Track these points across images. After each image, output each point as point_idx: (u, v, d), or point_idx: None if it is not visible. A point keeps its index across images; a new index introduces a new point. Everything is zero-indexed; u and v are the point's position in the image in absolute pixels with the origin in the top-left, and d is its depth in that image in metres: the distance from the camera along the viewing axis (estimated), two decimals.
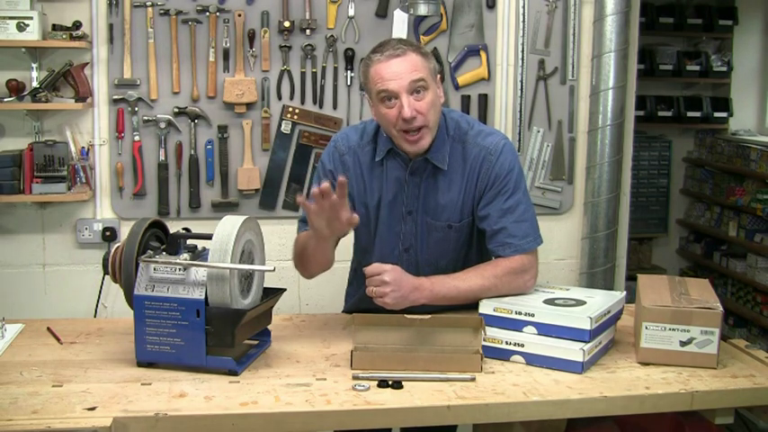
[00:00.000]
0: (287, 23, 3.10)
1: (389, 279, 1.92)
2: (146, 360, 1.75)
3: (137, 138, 3.09)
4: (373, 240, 2.15)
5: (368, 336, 1.77)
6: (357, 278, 2.27)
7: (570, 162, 3.36)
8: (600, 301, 1.91)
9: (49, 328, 2.01)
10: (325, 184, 1.79)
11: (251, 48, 3.11)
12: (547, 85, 3.31)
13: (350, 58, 3.17)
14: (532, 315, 1.83)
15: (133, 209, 3.11)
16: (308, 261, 2.10)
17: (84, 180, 3.04)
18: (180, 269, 1.74)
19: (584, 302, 1.88)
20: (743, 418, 2.05)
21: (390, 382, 1.66)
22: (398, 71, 1.93)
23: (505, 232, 2.04)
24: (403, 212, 2.10)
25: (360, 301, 2.20)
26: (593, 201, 3.30)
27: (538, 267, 2.07)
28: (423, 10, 2.95)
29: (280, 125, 3.18)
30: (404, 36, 3.07)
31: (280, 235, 3.21)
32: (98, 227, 3.12)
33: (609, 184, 3.28)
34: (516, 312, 1.85)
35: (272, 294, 1.90)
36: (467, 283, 1.99)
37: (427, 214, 2.10)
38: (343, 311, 2.32)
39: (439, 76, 2.05)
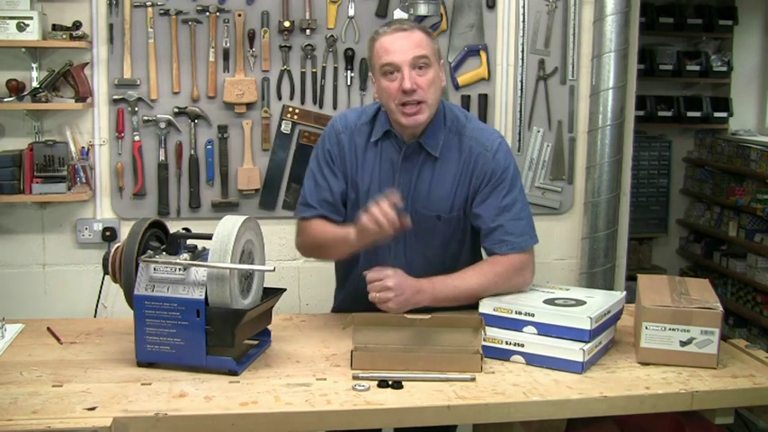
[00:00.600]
0: (287, 23, 3.10)
1: (392, 284, 1.92)
2: (146, 360, 1.75)
3: (137, 138, 3.09)
4: None
5: (368, 336, 1.77)
6: (341, 273, 2.29)
7: (570, 162, 3.35)
8: (600, 301, 1.91)
9: (49, 328, 2.01)
10: (388, 211, 1.84)
11: (251, 48, 3.11)
12: (547, 85, 3.30)
13: (350, 58, 3.17)
14: (532, 315, 1.83)
15: (133, 209, 3.11)
16: (329, 254, 2.15)
17: (84, 180, 3.03)
18: (180, 269, 1.74)
19: (584, 302, 1.88)
20: (743, 418, 2.05)
21: (390, 382, 1.66)
22: (403, 45, 1.97)
23: (502, 230, 2.05)
24: None
25: (346, 300, 2.22)
26: (593, 201, 3.30)
27: (534, 266, 2.07)
28: (423, 10, 2.96)
29: (280, 125, 3.18)
30: None
31: (280, 235, 3.22)
32: (98, 227, 3.12)
33: (609, 184, 3.28)
34: (516, 312, 1.85)
35: (272, 294, 1.90)
36: (467, 282, 1.99)
37: (417, 202, 2.10)
38: (332, 311, 2.33)
39: (442, 61, 2.09)
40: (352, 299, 2.18)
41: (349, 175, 2.12)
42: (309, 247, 2.19)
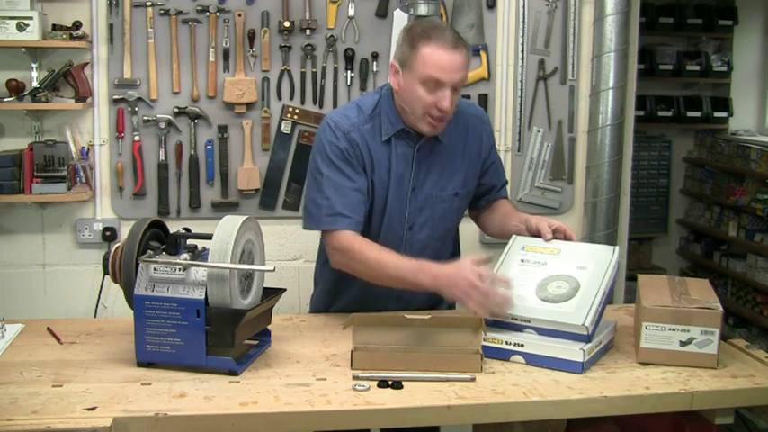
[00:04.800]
0: (287, 23, 3.10)
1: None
2: (146, 360, 1.75)
3: (137, 138, 3.09)
4: (381, 220, 2.13)
5: (368, 336, 1.77)
6: (324, 277, 2.26)
7: (570, 162, 3.36)
8: (593, 276, 1.87)
9: (49, 328, 2.01)
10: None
11: (251, 48, 3.11)
12: (547, 85, 3.31)
13: (350, 58, 3.17)
14: (528, 321, 1.82)
15: (133, 209, 3.11)
16: (380, 282, 2.04)
17: (84, 180, 3.03)
18: (180, 269, 1.74)
19: (578, 284, 1.86)
20: (743, 418, 2.05)
21: (390, 382, 1.66)
22: (456, 66, 1.97)
23: (501, 182, 2.31)
24: (408, 190, 2.12)
25: (350, 302, 2.20)
26: (593, 201, 3.30)
27: None
28: (423, 10, 2.96)
29: (280, 125, 3.18)
30: None
31: (280, 235, 3.22)
32: (98, 227, 3.12)
33: (609, 184, 3.28)
34: (512, 318, 1.84)
35: (272, 294, 1.90)
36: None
37: (435, 187, 2.14)
38: (313, 311, 2.33)
39: None
40: (358, 301, 2.17)
41: (367, 172, 2.09)
42: (361, 272, 2.04)
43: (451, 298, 1.94)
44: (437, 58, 1.95)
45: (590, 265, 1.91)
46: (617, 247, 1.97)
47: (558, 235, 2.02)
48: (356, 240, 2.03)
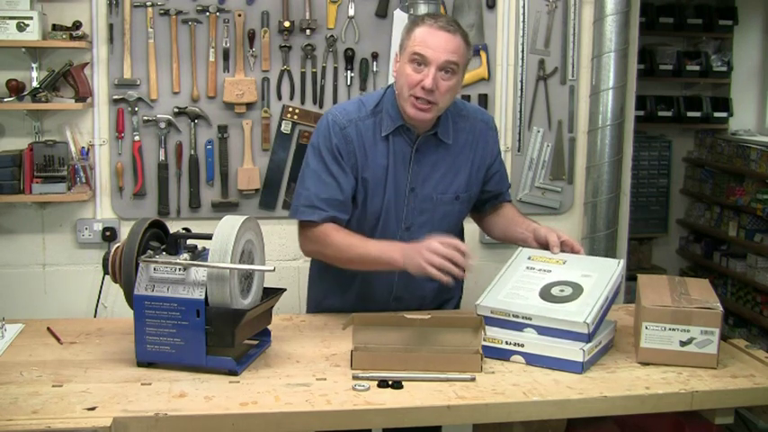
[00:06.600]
0: (287, 23, 3.10)
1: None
2: (146, 360, 1.75)
3: (137, 138, 3.09)
4: (378, 218, 2.12)
5: (368, 336, 1.77)
6: (346, 274, 2.22)
7: (570, 162, 3.36)
8: (597, 284, 1.88)
9: (49, 328, 2.01)
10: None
11: (251, 48, 3.11)
12: (547, 85, 3.31)
13: (350, 58, 3.17)
14: (530, 318, 1.82)
15: (133, 209, 3.11)
16: (355, 267, 2.07)
17: (84, 180, 3.03)
18: (180, 269, 1.74)
19: (581, 289, 1.86)
20: (743, 418, 2.05)
21: (390, 382, 1.66)
22: (442, 44, 1.98)
23: (504, 186, 2.32)
24: (406, 190, 2.11)
25: (350, 301, 2.19)
26: (593, 201, 3.30)
27: None
28: (423, 10, 2.96)
29: (280, 125, 3.18)
30: None
31: (280, 235, 3.22)
32: (98, 227, 3.12)
33: (609, 184, 3.28)
34: (513, 315, 1.84)
35: (272, 294, 1.90)
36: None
37: (435, 189, 2.13)
38: (311, 311, 2.31)
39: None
40: (359, 300, 2.17)
41: (358, 170, 2.08)
42: (332, 257, 2.08)
43: (416, 268, 1.89)
44: (425, 35, 1.98)
45: (594, 274, 1.93)
46: (622, 260, 2.00)
47: (566, 248, 2.04)
48: (327, 228, 2.05)
